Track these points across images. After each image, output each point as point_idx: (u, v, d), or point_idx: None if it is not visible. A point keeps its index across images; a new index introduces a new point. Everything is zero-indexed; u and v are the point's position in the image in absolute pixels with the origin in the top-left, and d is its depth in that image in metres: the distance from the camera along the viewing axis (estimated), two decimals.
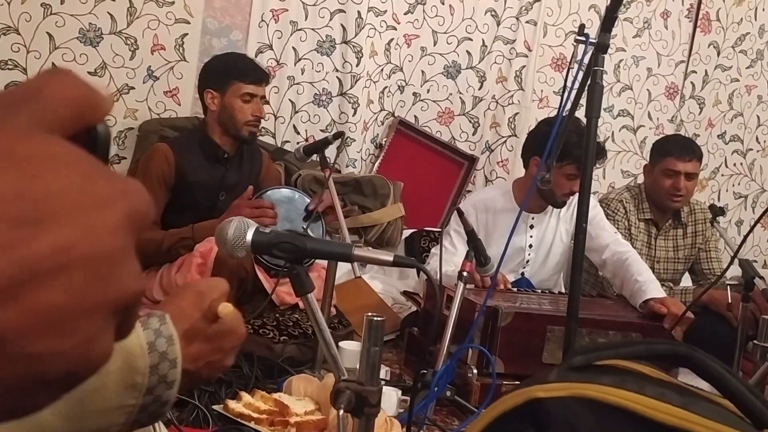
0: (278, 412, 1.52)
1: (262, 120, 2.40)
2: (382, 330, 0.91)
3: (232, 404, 1.56)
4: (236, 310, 0.66)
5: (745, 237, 1.60)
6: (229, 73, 2.34)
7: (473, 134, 3.56)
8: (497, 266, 1.74)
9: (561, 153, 1.95)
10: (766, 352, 1.45)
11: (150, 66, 2.99)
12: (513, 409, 0.62)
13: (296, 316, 2.15)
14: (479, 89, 3.53)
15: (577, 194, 1.56)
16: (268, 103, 3.15)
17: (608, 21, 1.49)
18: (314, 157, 2.31)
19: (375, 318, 0.91)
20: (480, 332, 1.98)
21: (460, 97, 3.52)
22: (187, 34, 3.03)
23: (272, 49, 3.20)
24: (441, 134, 3.53)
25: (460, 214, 1.93)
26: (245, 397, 1.58)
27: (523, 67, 3.55)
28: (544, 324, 1.93)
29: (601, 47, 1.52)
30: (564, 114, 1.65)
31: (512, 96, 3.55)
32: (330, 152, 3.36)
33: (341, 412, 0.85)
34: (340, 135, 2.12)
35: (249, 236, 0.91)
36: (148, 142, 2.78)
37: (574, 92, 1.57)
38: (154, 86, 3.01)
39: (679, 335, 2.10)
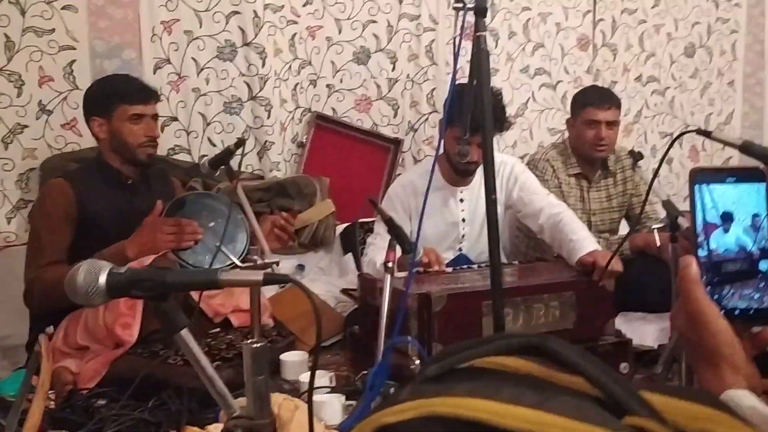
0: None
1: (157, 139, 2.27)
2: (265, 356, 0.84)
3: None
4: None
5: (652, 179, 1.57)
6: (112, 96, 2.21)
7: (394, 117, 3.50)
8: (415, 244, 1.68)
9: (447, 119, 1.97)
10: None
11: (41, 100, 2.83)
12: None
13: (229, 336, 2.06)
14: (392, 71, 3.47)
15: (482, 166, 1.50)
16: (177, 119, 3.03)
17: None
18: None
19: (254, 345, 0.83)
20: (417, 320, 1.93)
21: (375, 82, 3.45)
22: (75, 60, 2.88)
23: (170, 63, 3.07)
24: (362, 122, 3.45)
25: (374, 204, 1.86)
26: None
27: (432, 41, 3.49)
28: (479, 300, 1.89)
29: (479, 11, 1.46)
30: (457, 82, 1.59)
31: (426, 72, 3.50)
32: (252, 159, 3.28)
33: None
34: (241, 143, 2.02)
35: (102, 279, 0.82)
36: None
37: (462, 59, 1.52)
38: (48, 121, 2.85)
39: (610, 285, 2.09)
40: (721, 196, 0.74)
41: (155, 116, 2.30)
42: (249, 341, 0.84)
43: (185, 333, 0.84)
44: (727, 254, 0.73)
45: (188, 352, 0.84)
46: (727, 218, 0.74)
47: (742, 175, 0.73)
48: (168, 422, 1.66)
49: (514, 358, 0.56)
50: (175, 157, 3.12)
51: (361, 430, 0.54)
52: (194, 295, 2.10)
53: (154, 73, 3.04)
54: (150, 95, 2.30)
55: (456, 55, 1.50)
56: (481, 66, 1.46)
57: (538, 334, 0.52)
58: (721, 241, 0.74)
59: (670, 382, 1.74)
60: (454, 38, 1.53)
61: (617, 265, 2.05)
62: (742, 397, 0.67)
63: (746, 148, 1.20)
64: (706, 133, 1.31)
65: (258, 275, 0.82)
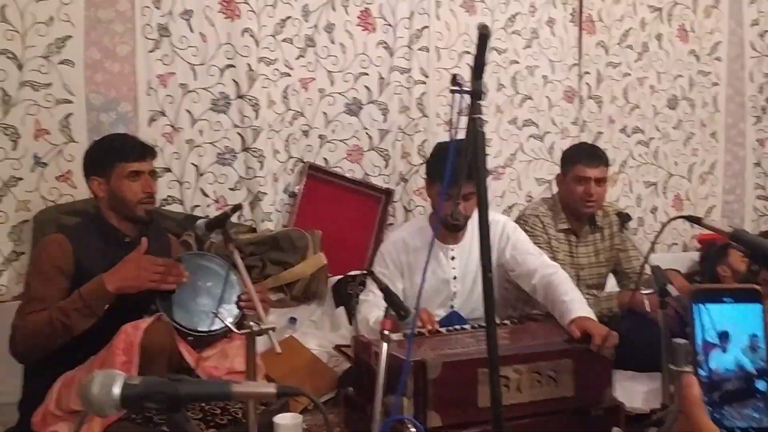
0: None
1: (154, 195, 2.30)
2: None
3: None
4: None
5: (647, 256, 1.62)
6: (110, 155, 2.24)
7: (385, 167, 3.54)
8: (417, 300, 1.70)
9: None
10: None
11: (36, 153, 2.84)
12: None
13: (224, 401, 2.06)
14: (384, 122, 3.52)
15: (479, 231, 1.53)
16: (171, 170, 3.05)
17: (478, 68, 1.49)
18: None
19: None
20: (413, 384, 1.94)
21: (367, 133, 3.50)
22: (71, 113, 2.90)
23: (165, 115, 3.10)
24: (353, 172, 3.50)
25: (370, 274, 1.88)
26: None
27: (423, 93, 3.56)
28: (474, 368, 1.90)
29: (475, 94, 1.51)
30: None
31: (417, 124, 3.56)
32: (244, 210, 3.30)
33: None
34: (238, 208, 2.05)
35: (116, 391, 0.84)
36: (44, 233, 2.63)
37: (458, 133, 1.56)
38: (44, 173, 2.86)
39: (609, 353, 2.11)
40: (719, 315, 0.77)
41: (153, 172, 2.33)
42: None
43: None
44: (726, 374, 0.76)
45: None
46: (724, 338, 0.78)
47: (739, 296, 0.77)
48: None
49: None
50: (167, 207, 3.13)
51: None
52: (188, 358, 2.11)
53: (149, 125, 3.07)
54: (147, 152, 2.33)
55: (453, 137, 1.55)
56: (477, 146, 1.50)
57: None
58: (721, 361, 0.77)
59: None
60: (451, 120, 1.57)
61: (613, 339, 2.08)
62: None
63: (737, 237, 1.25)
64: (696, 220, 1.35)
65: (271, 387, 0.84)
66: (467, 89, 1.52)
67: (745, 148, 4.29)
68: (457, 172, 1.98)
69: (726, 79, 4.22)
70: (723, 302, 0.77)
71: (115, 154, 2.26)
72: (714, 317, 0.78)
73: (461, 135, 1.54)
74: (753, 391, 0.77)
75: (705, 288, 0.78)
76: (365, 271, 1.86)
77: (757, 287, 0.78)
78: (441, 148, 2.59)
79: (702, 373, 0.76)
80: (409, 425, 1.62)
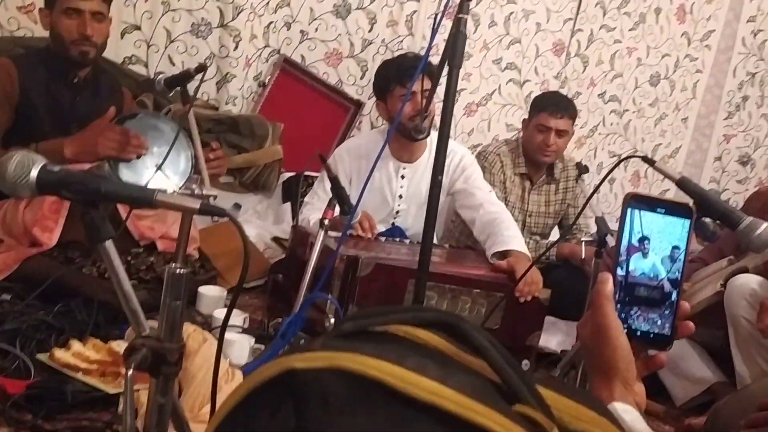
0: (111, 362, 1.42)
1: (92, 39, 2.12)
2: (183, 283, 0.84)
3: (59, 354, 1.45)
4: None
5: (592, 194, 1.63)
6: None
7: (361, 78, 3.47)
8: (355, 207, 1.68)
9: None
10: None
11: None
12: (269, 380, 0.56)
13: (151, 259, 2.03)
14: (369, 31, 3.43)
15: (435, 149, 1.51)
16: (140, 29, 2.89)
17: None
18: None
19: (177, 270, 0.83)
20: (341, 281, 1.95)
21: (349, 39, 3.41)
22: None
23: None
24: (328, 76, 3.42)
25: (323, 160, 1.85)
26: (75, 345, 1.47)
27: (415, 12, 3.47)
28: (405, 277, 1.92)
29: None
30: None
31: (402, 41, 3.48)
32: (209, 88, 3.20)
33: (131, 371, 0.78)
34: (202, 68, 1.96)
35: (33, 173, 0.80)
36: None
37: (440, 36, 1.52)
38: (5, 2, 2.70)
39: (545, 298, 2.14)
40: (649, 222, 0.79)
41: (98, 15, 2.15)
42: (173, 265, 0.84)
43: (109, 244, 0.83)
44: (642, 278, 0.78)
45: (108, 264, 0.83)
46: (644, 242, 0.79)
47: (672, 208, 0.78)
48: (71, 329, 1.63)
49: (426, 332, 0.58)
50: (130, 66, 3.01)
51: (268, 369, 0.55)
52: (122, 211, 2.06)
53: None
54: None
55: (434, 31, 1.51)
56: (456, 48, 1.46)
57: (451, 313, 0.55)
58: (639, 265, 0.78)
59: None
60: (436, 14, 1.52)
61: (538, 280, 2.10)
62: (626, 411, 0.72)
63: (683, 183, 1.26)
64: (651, 162, 1.36)
65: (195, 202, 0.82)
66: None
67: (710, 140, 4.36)
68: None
69: (710, 68, 4.24)
70: (656, 212, 0.78)
71: None
72: (644, 224, 0.79)
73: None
74: (663, 299, 0.79)
75: (642, 195, 0.79)
76: (320, 154, 1.82)
77: (691, 204, 0.79)
78: (383, 64, 2.56)
79: (620, 272, 0.78)
80: (330, 308, 1.63)
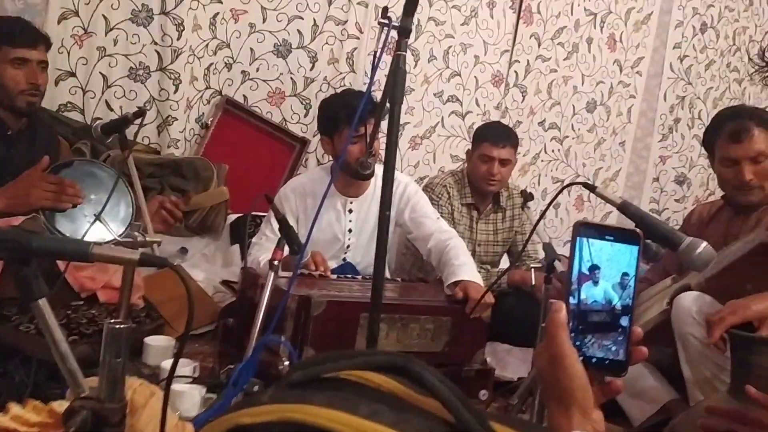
0: (53, 423, 1.35)
1: (40, 88, 2.13)
2: (127, 339, 0.80)
3: None
4: None
5: (538, 220, 1.66)
6: None
7: (305, 116, 3.47)
8: (304, 246, 1.66)
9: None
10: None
11: None
12: None
13: (92, 311, 1.95)
14: (311, 70, 3.45)
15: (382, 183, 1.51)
16: (75, 75, 2.84)
17: (410, 5, 1.46)
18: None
19: (116, 326, 0.79)
20: (293, 322, 1.92)
21: (291, 78, 3.42)
22: None
23: (78, 16, 2.90)
24: (271, 115, 3.41)
25: (269, 201, 1.83)
26: (13, 408, 1.38)
27: (355, 49, 3.50)
28: (357, 311, 1.90)
29: (403, 31, 1.48)
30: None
31: (344, 78, 3.51)
32: (150, 132, 3.15)
33: None
34: (141, 113, 1.93)
35: None
36: None
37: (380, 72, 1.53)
38: None
39: (487, 317, 2.16)
40: (598, 251, 0.80)
41: (42, 63, 2.15)
42: (112, 321, 0.80)
43: (43, 303, 0.79)
44: (594, 306, 0.79)
45: (43, 323, 0.79)
46: (594, 270, 0.80)
47: (620, 235, 0.79)
48: (8, 392, 1.54)
49: (378, 375, 0.57)
50: (66, 114, 2.94)
51: (215, 428, 0.53)
52: (60, 263, 1.98)
53: (59, 23, 2.87)
54: (37, 39, 2.17)
55: (374, 67, 1.52)
56: (397, 84, 1.48)
57: (403, 355, 0.53)
58: (591, 293, 0.79)
59: (523, 414, 1.82)
60: (375, 52, 1.54)
61: (489, 298, 2.12)
62: None
63: (624, 208, 1.29)
64: (592, 188, 1.40)
65: (134, 254, 0.79)
66: (396, 25, 1.49)
67: (648, 162, 4.51)
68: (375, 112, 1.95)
69: (642, 93, 4.41)
70: (604, 239, 0.80)
71: (2, 36, 2.08)
72: (593, 252, 0.80)
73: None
74: (616, 325, 0.79)
75: (591, 224, 0.80)
76: (265, 195, 1.80)
77: (638, 230, 0.81)
78: (329, 102, 2.55)
79: (572, 301, 0.78)
80: (283, 351, 1.59)
